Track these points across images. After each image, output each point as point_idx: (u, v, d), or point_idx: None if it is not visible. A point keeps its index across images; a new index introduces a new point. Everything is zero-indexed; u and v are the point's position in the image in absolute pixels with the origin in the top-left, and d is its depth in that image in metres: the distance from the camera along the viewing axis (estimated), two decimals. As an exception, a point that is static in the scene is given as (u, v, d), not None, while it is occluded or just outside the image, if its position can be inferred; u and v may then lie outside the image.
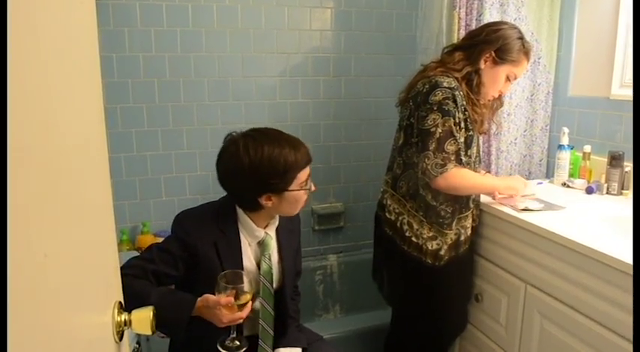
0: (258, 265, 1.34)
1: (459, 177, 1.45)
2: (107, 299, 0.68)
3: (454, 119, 1.45)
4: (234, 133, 1.28)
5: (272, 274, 1.35)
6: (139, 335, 1.50)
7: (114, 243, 0.74)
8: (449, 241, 1.55)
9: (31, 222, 0.44)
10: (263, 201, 1.25)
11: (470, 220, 1.59)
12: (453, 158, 1.44)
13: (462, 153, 1.49)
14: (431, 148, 1.44)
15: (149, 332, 0.72)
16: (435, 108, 1.44)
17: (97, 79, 0.69)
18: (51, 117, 0.50)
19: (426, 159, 1.44)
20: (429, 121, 1.44)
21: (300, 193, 1.28)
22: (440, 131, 1.43)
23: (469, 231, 1.60)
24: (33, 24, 0.46)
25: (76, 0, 0.58)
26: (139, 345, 1.52)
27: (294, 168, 1.24)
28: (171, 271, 1.23)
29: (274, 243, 1.38)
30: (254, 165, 1.20)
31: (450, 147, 1.44)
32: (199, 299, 1.14)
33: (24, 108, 0.43)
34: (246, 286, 1.12)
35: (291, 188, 1.25)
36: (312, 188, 1.32)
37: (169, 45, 2.17)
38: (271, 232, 1.36)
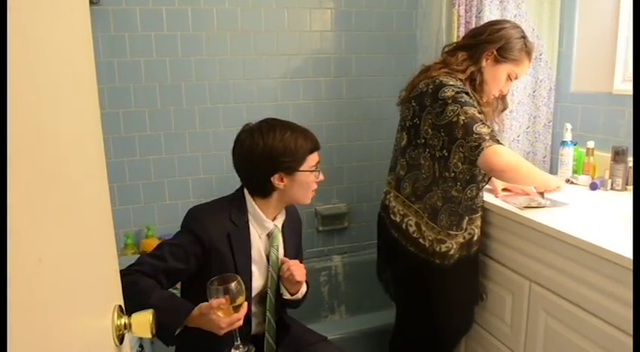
0: (267, 257, 1.38)
1: (500, 154, 1.30)
2: (106, 303, 0.68)
3: (475, 108, 1.38)
4: (250, 123, 1.37)
5: (279, 266, 1.39)
6: (141, 339, 1.50)
7: (113, 246, 0.75)
8: (461, 240, 1.51)
9: (22, 226, 0.43)
10: (276, 181, 1.31)
11: (479, 221, 1.55)
12: (487, 138, 1.31)
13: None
14: (459, 136, 1.34)
15: (149, 336, 0.72)
16: (450, 102, 1.38)
17: (92, 82, 0.69)
18: (44, 120, 0.50)
19: (461, 149, 1.35)
20: (447, 114, 1.37)
21: (310, 176, 1.35)
22: (463, 118, 1.34)
23: (479, 232, 1.56)
24: (23, 30, 0.46)
25: (66, 6, 0.58)
26: (142, 348, 1.53)
27: (304, 150, 1.32)
28: (182, 266, 1.25)
29: (281, 237, 1.42)
30: (267, 146, 1.30)
31: (480, 129, 1.33)
32: (195, 308, 1.14)
33: (17, 111, 0.43)
34: (236, 287, 1.11)
35: (302, 168, 1.32)
36: (321, 176, 1.39)
37: (170, 49, 2.18)
38: (279, 224, 1.41)
